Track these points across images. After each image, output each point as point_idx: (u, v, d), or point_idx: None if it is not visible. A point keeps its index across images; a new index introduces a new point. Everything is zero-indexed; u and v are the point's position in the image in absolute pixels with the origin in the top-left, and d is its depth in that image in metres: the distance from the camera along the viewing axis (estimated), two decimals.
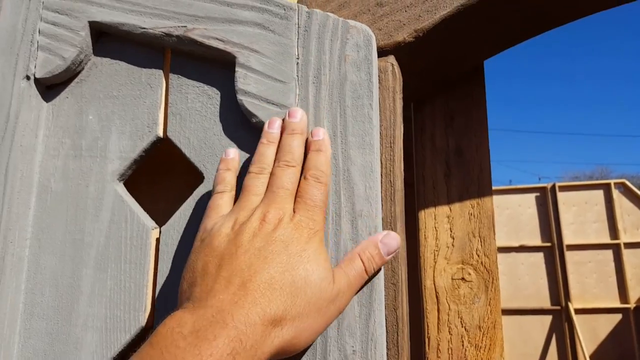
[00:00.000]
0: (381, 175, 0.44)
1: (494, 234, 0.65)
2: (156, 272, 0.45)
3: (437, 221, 0.66)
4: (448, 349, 0.61)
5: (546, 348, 5.26)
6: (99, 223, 0.47)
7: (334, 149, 0.42)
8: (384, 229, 0.43)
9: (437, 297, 0.63)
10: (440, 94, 0.68)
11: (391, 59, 0.48)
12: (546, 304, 5.30)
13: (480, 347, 0.61)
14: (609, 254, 5.09)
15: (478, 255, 0.64)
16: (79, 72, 0.52)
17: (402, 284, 0.44)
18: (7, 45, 0.52)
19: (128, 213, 0.47)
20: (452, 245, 0.65)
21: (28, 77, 0.51)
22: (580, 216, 5.25)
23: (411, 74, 0.54)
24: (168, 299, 0.45)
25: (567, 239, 5.08)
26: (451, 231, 0.65)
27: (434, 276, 0.64)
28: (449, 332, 0.62)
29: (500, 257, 5.69)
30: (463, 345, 0.61)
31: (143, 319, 0.44)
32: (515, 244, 5.46)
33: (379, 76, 0.47)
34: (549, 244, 5.29)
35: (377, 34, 0.48)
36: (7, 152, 0.49)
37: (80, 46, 0.50)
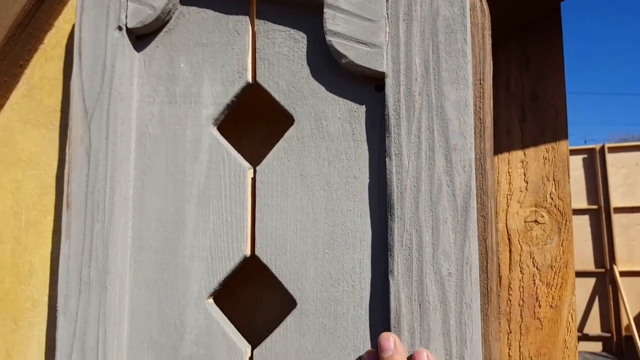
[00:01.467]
0: (477, 108, 0.45)
1: (569, 177, 0.65)
2: (254, 207, 0.48)
3: (510, 166, 0.66)
4: (519, 287, 0.63)
5: (588, 310, 5.19)
6: (198, 164, 0.50)
7: (426, 86, 0.43)
8: (476, 172, 0.44)
9: (509, 239, 0.65)
10: (515, 38, 0.67)
11: None
12: (590, 266, 5.20)
13: (552, 285, 0.62)
14: None
15: (552, 199, 0.64)
16: (167, 21, 0.54)
17: (492, 217, 0.45)
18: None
19: (225, 155, 0.50)
20: (526, 189, 0.65)
21: (120, 28, 0.53)
22: (630, 178, 5.05)
23: (491, 16, 0.53)
24: (266, 230, 0.48)
25: (615, 202, 4.92)
26: (525, 175, 0.65)
27: (506, 219, 0.65)
28: (521, 271, 0.63)
29: None
30: (534, 284, 0.62)
31: (245, 248, 0.47)
32: None
33: (472, 8, 0.47)
34: (595, 207, 5.14)
35: None
36: (107, 98, 0.52)
37: None
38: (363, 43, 0.45)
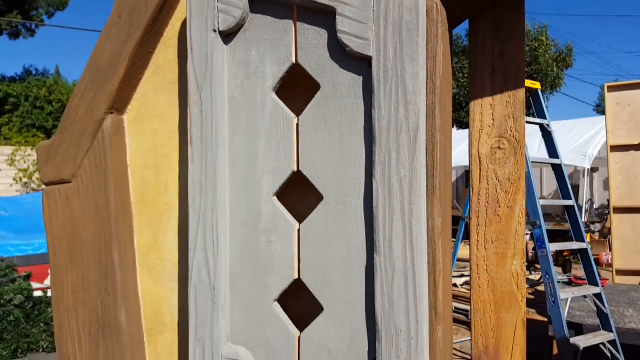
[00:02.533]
0: (426, 77, 0.72)
1: (524, 115, 0.90)
2: (298, 141, 0.80)
3: (482, 108, 0.92)
4: (486, 194, 0.91)
5: (635, 245, 5.10)
6: (264, 116, 0.83)
7: (394, 64, 0.71)
8: (427, 113, 0.72)
9: (479, 160, 0.92)
10: (490, 13, 0.91)
11: (437, 3, 0.74)
12: None
13: (509, 192, 0.89)
14: None
15: (511, 131, 0.90)
16: (243, 25, 0.85)
17: (438, 143, 0.73)
18: (199, 10, 0.86)
19: (280, 110, 0.82)
20: (493, 125, 0.91)
21: (215, 30, 0.85)
22: None
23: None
24: (305, 155, 0.80)
25: None
26: (492, 115, 0.91)
27: (478, 146, 0.92)
28: (487, 183, 0.91)
29: (617, 156, 5.44)
30: (496, 191, 0.90)
31: (293, 166, 0.80)
32: (635, 142, 5.13)
33: (427, 12, 0.73)
34: None
35: None
36: (210, 77, 0.85)
37: (243, 9, 0.83)
38: (359, 38, 0.74)
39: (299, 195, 0.88)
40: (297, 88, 0.87)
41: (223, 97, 0.86)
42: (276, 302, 0.83)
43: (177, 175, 1.00)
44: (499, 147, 0.91)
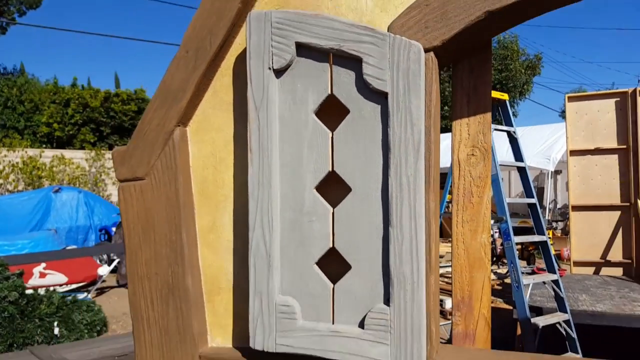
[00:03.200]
0: (425, 107, 1.06)
1: (490, 131, 1.25)
2: (332, 151, 1.13)
3: (461, 126, 1.27)
4: (463, 187, 1.26)
5: (612, 240, 5.66)
6: (307, 131, 1.15)
7: (404, 98, 1.05)
8: (425, 132, 1.06)
9: (459, 164, 1.27)
10: (466, 58, 1.25)
11: (431, 54, 1.08)
12: (616, 200, 5.60)
13: (479, 186, 1.24)
14: None
15: (481, 143, 1.25)
16: (290, 64, 1.17)
17: (433, 150, 1.07)
18: (257, 53, 1.18)
19: (319, 127, 1.14)
20: (468, 138, 1.26)
21: (270, 68, 1.17)
22: None
23: (447, 51, 1.13)
24: (338, 161, 1.12)
25: None
26: (468, 131, 1.26)
27: (458, 154, 1.27)
28: (464, 180, 1.26)
29: (575, 159, 5.96)
30: (470, 185, 1.25)
31: (329, 167, 1.13)
32: (591, 147, 5.66)
33: (425, 62, 1.07)
34: (624, 146, 5.47)
35: (424, 42, 1.07)
36: (265, 102, 1.17)
37: (291, 53, 1.15)
38: (378, 79, 1.07)
39: (332, 188, 1.20)
40: (331, 111, 1.20)
41: (275, 117, 1.18)
42: (315, 265, 1.15)
43: (232, 174, 1.31)
44: (472, 154, 1.26)
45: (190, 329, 1.30)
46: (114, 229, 8.69)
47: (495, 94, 4.16)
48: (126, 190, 1.36)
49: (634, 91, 5.40)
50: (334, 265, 1.17)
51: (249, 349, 1.22)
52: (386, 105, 1.08)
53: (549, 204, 10.86)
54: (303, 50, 1.16)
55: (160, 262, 1.33)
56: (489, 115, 1.25)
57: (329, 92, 1.14)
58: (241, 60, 1.27)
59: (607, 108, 5.62)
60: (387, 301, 1.09)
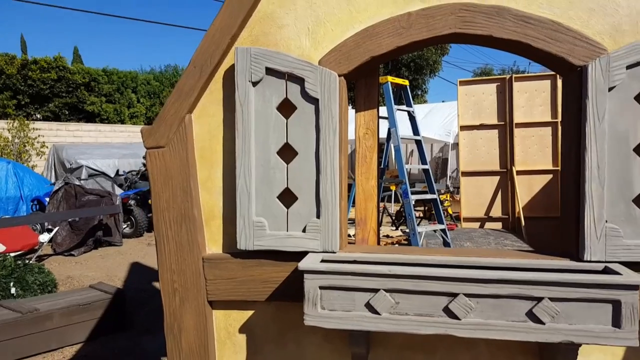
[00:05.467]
0: (339, 108, 1.91)
1: (377, 119, 2.14)
2: (287, 130, 1.96)
3: (360, 116, 2.14)
4: (362, 152, 2.14)
5: (493, 200, 7.03)
6: (272, 119, 1.96)
7: (327, 103, 1.89)
8: (339, 122, 1.91)
9: (359, 138, 2.15)
10: (363, 78, 2.12)
11: (342, 78, 1.93)
12: (496, 167, 6.95)
13: (370, 151, 2.14)
14: (548, 130, 6.60)
15: (370, 126, 2.13)
16: (262, 79, 1.96)
17: (343, 141, 1.94)
18: (242, 72, 1.96)
19: (279, 117, 1.96)
20: (364, 123, 2.14)
21: (249, 81, 1.96)
22: (530, 101, 6.65)
23: (351, 76, 1.98)
24: (291, 135, 1.96)
25: (517, 119, 6.56)
26: (364, 119, 2.14)
27: (358, 132, 2.15)
28: (361, 148, 2.14)
29: (464, 133, 7.22)
30: (365, 151, 2.14)
31: (285, 140, 1.96)
32: (477, 123, 6.93)
33: (339, 82, 1.92)
34: (502, 123, 6.78)
35: (338, 71, 1.92)
36: (246, 102, 1.96)
37: (263, 73, 1.94)
38: (313, 91, 1.91)
39: (287, 153, 2.02)
40: (286, 108, 2.00)
41: (252, 110, 1.97)
42: (277, 198, 1.99)
43: (221, 145, 2.08)
44: (366, 133, 2.15)
45: (196, 242, 2.09)
46: (47, 199, 8.82)
47: (398, 81, 5.14)
48: (152, 154, 2.09)
49: (511, 78, 6.69)
50: (287, 197, 2.01)
51: (233, 252, 2.04)
52: (318, 106, 1.92)
53: (451, 172, 12.45)
54: (270, 71, 1.95)
55: (175, 199, 2.09)
56: (375, 110, 2.15)
57: (285, 96, 1.95)
58: (228, 73, 2.04)
59: (490, 91, 6.89)
60: (318, 216, 1.95)
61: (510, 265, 1.77)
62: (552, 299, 1.56)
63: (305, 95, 1.93)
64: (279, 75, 1.95)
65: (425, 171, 5.31)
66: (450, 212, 9.25)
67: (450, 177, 12.22)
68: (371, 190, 2.17)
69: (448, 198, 9.77)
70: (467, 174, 7.24)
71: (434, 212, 10.13)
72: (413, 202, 5.06)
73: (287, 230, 1.98)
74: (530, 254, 1.89)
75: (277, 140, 1.97)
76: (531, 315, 1.58)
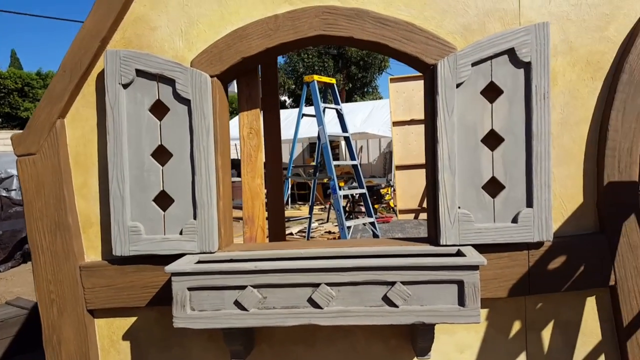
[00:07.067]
0: (212, 108, 1.92)
1: (260, 119, 2.16)
2: (161, 132, 1.95)
3: (243, 116, 2.16)
4: (247, 151, 2.16)
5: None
6: (144, 121, 1.94)
7: (199, 103, 1.90)
8: (213, 121, 1.92)
9: (244, 138, 2.16)
10: (243, 77, 2.14)
11: (215, 79, 1.94)
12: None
13: (255, 150, 2.16)
14: None
15: (254, 125, 2.15)
16: (133, 81, 1.94)
17: (225, 138, 1.95)
18: (111, 75, 1.93)
19: (152, 118, 1.95)
20: (247, 123, 2.16)
21: (120, 83, 1.93)
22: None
23: (226, 76, 1.99)
24: (165, 137, 1.95)
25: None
26: (247, 118, 2.16)
27: (242, 132, 2.16)
28: (247, 147, 2.16)
29: (397, 129, 7.41)
30: (251, 149, 2.16)
31: (159, 142, 1.95)
32: (408, 119, 7.12)
33: (212, 82, 1.92)
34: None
35: (210, 72, 1.93)
36: (117, 103, 1.93)
37: (133, 75, 1.92)
38: (185, 92, 1.90)
39: (161, 155, 2.01)
40: (159, 109, 1.99)
41: (124, 113, 1.95)
42: (152, 201, 1.97)
43: (96, 149, 2.05)
44: (250, 132, 2.17)
45: (72, 250, 2.04)
46: None
47: (324, 79, 5.21)
48: (22, 162, 2.03)
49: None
50: (164, 200, 2.00)
51: (111, 259, 2.01)
52: (190, 107, 1.92)
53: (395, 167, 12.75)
54: (140, 73, 1.94)
55: (49, 208, 2.03)
56: (258, 109, 2.17)
57: (157, 98, 1.94)
58: (101, 76, 2.00)
59: (420, 87, 7.08)
60: (195, 217, 1.95)
61: (373, 252, 1.84)
62: (404, 283, 1.63)
63: (177, 96, 1.93)
64: (150, 77, 1.94)
65: (354, 167, 5.42)
66: (392, 205, 9.46)
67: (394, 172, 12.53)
68: (257, 188, 2.20)
69: (389, 192, 10.00)
70: (401, 167, 7.43)
71: (375, 205, 10.39)
72: (341, 196, 5.16)
73: (164, 234, 1.97)
74: (400, 241, 1.97)
75: (151, 142, 1.96)
76: (386, 300, 1.65)
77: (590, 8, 1.89)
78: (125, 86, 1.94)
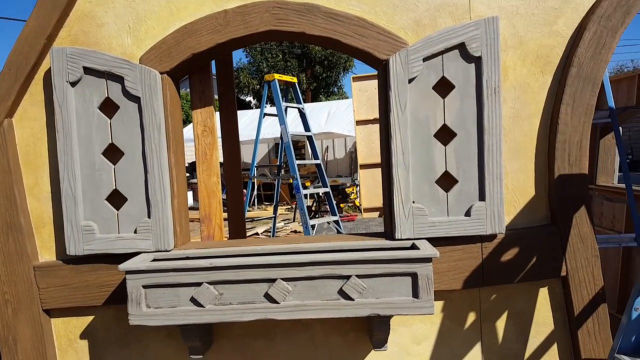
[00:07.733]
0: (163, 104, 1.90)
1: (214, 116, 2.16)
2: (111, 130, 1.92)
3: (197, 114, 2.15)
4: (202, 149, 2.15)
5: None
6: (94, 119, 1.91)
7: (149, 100, 1.88)
8: (164, 117, 1.90)
9: (198, 136, 2.15)
10: (196, 73, 2.13)
11: (165, 75, 1.92)
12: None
13: (210, 149, 2.15)
14: None
15: (208, 123, 2.14)
16: (81, 79, 1.90)
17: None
18: (59, 72, 1.89)
19: (102, 116, 1.91)
20: (201, 120, 2.14)
21: (67, 82, 1.89)
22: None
23: (177, 72, 1.97)
24: (115, 135, 1.92)
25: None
26: (201, 116, 2.14)
27: (197, 129, 2.15)
28: (201, 145, 2.15)
29: (360, 128, 7.50)
30: (205, 148, 2.15)
31: (110, 140, 1.92)
32: (372, 117, 7.22)
33: (162, 79, 1.90)
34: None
35: (159, 69, 1.91)
36: (65, 102, 1.89)
37: (81, 72, 1.89)
38: (134, 89, 1.88)
39: (112, 153, 1.98)
40: (109, 106, 1.96)
41: (72, 111, 1.91)
42: (105, 200, 1.94)
43: (47, 148, 2.00)
44: (204, 130, 2.16)
45: (26, 251, 1.98)
46: None
47: (286, 78, 5.21)
48: None
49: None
50: (117, 199, 1.97)
51: (66, 259, 1.96)
52: (140, 104, 1.89)
53: (359, 166, 12.89)
54: (88, 70, 1.90)
55: (0, 208, 1.97)
56: (212, 107, 2.16)
57: (106, 95, 1.91)
58: (48, 74, 1.95)
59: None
60: (149, 216, 1.93)
61: (330, 248, 1.87)
62: (359, 276, 1.66)
63: (126, 93, 1.90)
64: (98, 75, 1.90)
65: (318, 166, 5.45)
66: (358, 204, 9.54)
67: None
68: (213, 186, 2.19)
69: (354, 190, 10.09)
70: (364, 166, 7.52)
71: (340, 204, 10.49)
72: (304, 195, 5.19)
73: (119, 233, 1.94)
74: (356, 236, 2.01)
75: (102, 140, 1.92)
76: (342, 293, 1.68)
77: (539, 2, 1.93)
78: (73, 84, 1.90)
